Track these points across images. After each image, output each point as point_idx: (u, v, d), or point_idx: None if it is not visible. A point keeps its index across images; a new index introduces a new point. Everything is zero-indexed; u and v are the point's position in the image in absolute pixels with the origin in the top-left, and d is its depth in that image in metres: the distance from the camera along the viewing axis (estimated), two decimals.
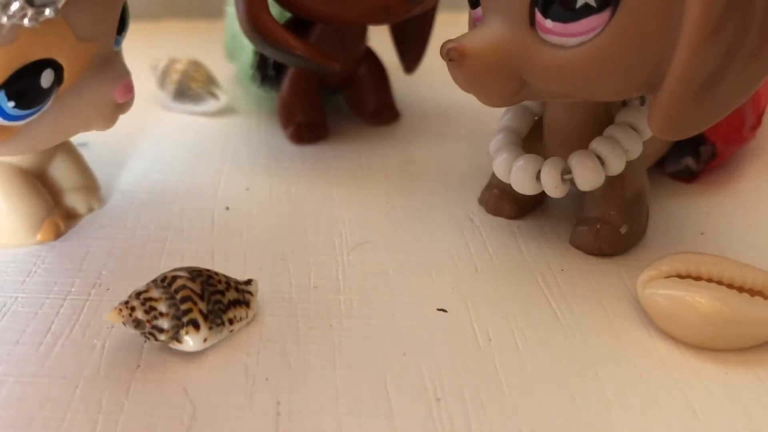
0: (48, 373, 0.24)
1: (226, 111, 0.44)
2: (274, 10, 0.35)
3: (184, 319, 0.23)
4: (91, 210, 0.33)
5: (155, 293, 0.24)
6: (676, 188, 0.35)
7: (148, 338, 0.24)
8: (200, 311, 0.24)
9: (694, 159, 0.35)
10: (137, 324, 0.23)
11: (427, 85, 0.44)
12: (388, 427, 0.22)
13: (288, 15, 0.38)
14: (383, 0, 0.33)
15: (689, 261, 0.25)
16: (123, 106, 0.28)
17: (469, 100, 0.28)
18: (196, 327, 0.24)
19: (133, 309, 0.23)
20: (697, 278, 0.25)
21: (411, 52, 0.42)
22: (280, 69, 0.41)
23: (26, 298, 0.27)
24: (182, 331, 0.23)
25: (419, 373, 0.24)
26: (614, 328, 0.26)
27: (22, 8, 0.22)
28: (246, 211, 0.33)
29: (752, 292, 0.25)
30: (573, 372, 0.24)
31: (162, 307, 0.23)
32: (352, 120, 0.43)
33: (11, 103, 0.25)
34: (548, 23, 0.23)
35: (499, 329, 0.26)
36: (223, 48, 0.48)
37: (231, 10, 0.45)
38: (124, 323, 0.23)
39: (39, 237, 0.30)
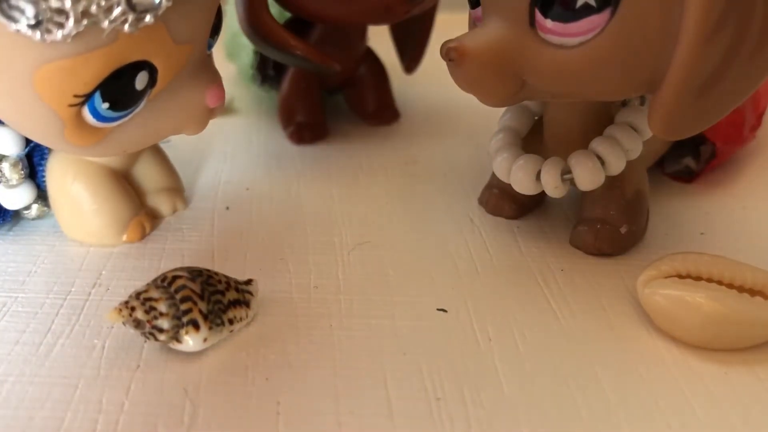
0: (48, 373, 0.24)
1: (226, 111, 0.44)
2: (274, 10, 0.35)
3: (184, 319, 0.23)
4: (175, 211, 0.33)
5: (155, 293, 0.24)
6: (676, 188, 0.35)
7: (148, 338, 0.24)
8: (200, 311, 0.24)
9: (694, 159, 0.35)
10: (137, 324, 0.23)
11: (427, 85, 0.44)
12: (388, 427, 0.22)
13: (288, 15, 0.38)
14: (383, 0, 0.33)
15: (689, 261, 0.25)
16: (214, 111, 0.28)
17: (469, 100, 0.28)
18: (196, 327, 0.24)
19: (133, 309, 0.23)
20: (697, 278, 0.25)
21: (411, 52, 0.42)
22: (280, 69, 0.41)
23: (26, 298, 0.27)
24: (182, 331, 0.23)
25: (419, 373, 0.24)
26: (614, 328, 0.26)
27: (123, 13, 0.22)
28: (246, 211, 0.33)
29: (752, 292, 0.25)
30: (573, 372, 0.24)
31: (162, 307, 0.23)
32: (352, 120, 0.43)
33: (105, 105, 0.25)
34: (548, 23, 0.23)
35: (499, 329, 0.26)
36: (223, 48, 0.48)
37: (231, 10, 0.45)
38: (124, 323, 0.23)
39: (125, 238, 0.30)
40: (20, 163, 0.29)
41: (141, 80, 0.25)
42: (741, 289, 0.25)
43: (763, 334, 0.24)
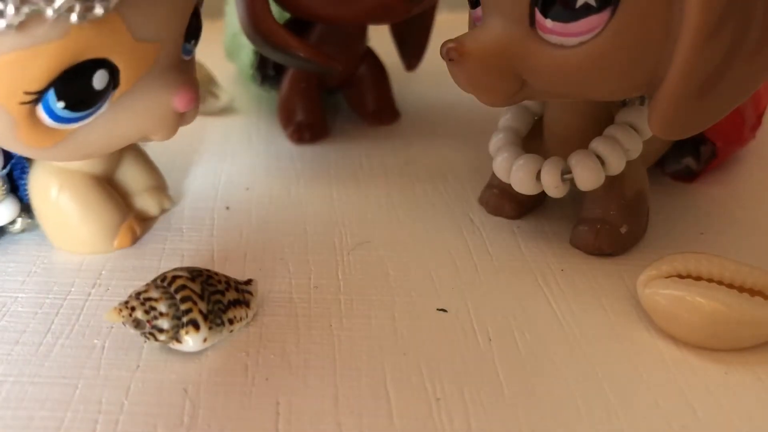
0: (48, 373, 0.24)
1: (226, 111, 0.44)
2: (274, 9, 0.35)
3: (184, 319, 0.23)
4: (163, 210, 0.32)
5: (155, 293, 0.24)
6: (676, 188, 0.35)
7: (148, 338, 0.24)
8: (200, 311, 0.24)
9: (694, 159, 0.35)
10: (137, 324, 0.23)
11: (427, 85, 0.44)
12: (388, 427, 0.22)
13: (288, 15, 0.38)
14: (384, 0, 0.33)
15: (689, 261, 0.25)
16: (185, 117, 0.27)
17: (469, 100, 0.28)
18: (196, 327, 0.24)
19: (132, 309, 0.23)
20: (697, 278, 0.25)
21: (412, 51, 0.42)
22: (280, 69, 0.41)
23: (26, 298, 0.27)
24: (182, 331, 0.23)
25: (419, 373, 0.24)
26: (614, 328, 0.26)
27: (68, 1, 0.21)
28: (246, 211, 0.33)
29: (752, 292, 0.25)
30: (573, 372, 0.24)
31: (162, 307, 0.23)
32: (352, 120, 0.43)
33: (61, 104, 0.23)
34: (548, 23, 0.23)
35: (499, 329, 0.26)
36: (223, 48, 0.48)
37: (231, 10, 0.45)
38: (124, 323, 0.23)
39: (115, 244, 0.30)
40: (0, 180, 0.28)
41: (100, 79, 0.24)
42: (741, 289, 0.25)
43: (763, 334, 0.24)
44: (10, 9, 0.21)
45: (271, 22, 0.34)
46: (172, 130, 0.27)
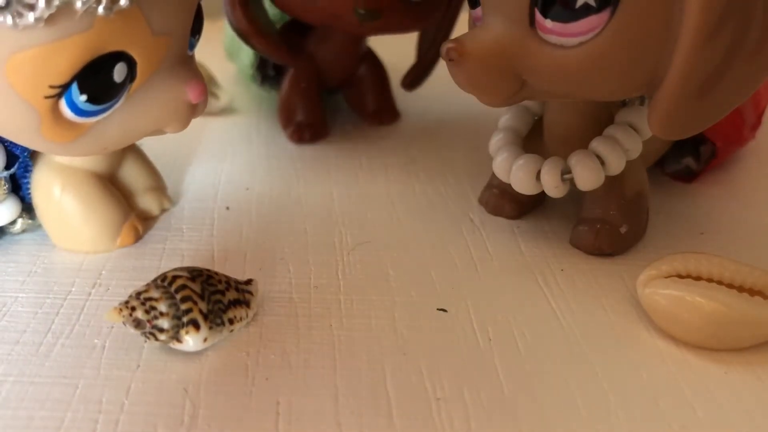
0: (48, 373, 0.24)
1: (226, 111, 0.44)
2: (275, 11, 0.35)
3: (184, 319, 0.23)
4: (163, 210, 0.33)
5: (155, 293, 0.24)
6: (676, 188, 0.35)
7: (148, 338, 0.24)
8: (200, 311, 0.24)
9: (694, 159, 0.35)
10: (137, 324, 0.23)
11: (428, 85, 0.44)
12: (388, 427, 0.22)
13: (287, 18, 0.38)
14: (332, 8, 0.33)
15: (689, 261, 0.25)
16: (196, 108, 0.27)
17: (469, 100, 0.28)
18: (196, 327, 0.24)
19: (133, 309, 0.23)
20: (697, 278, 0.25)
21: (418, 71, 0.41)
22: (280, 69, 0.41)
23: (26, 298, 0.27)
24: (182, 331, 0.23)
25: (419, 373, 0.24)
26: (614, 328, 0.26)
27: None
28: (246, 211, 0.33)
29: (752, 292, 0.25)
30: (573, 372, 0.24)
31: (162, 306, 0.23)
32: (352, 120, 0.43)
33: (83, 97, 0.24)
34: (548, 23, 0.23)
35: (499, 329, 0.26)
36: (223, 48, 0.48)
37: None
38: (124, 323, 0.23)
39: (118, 242, 0.30)
40: (2, 180, 0.28)
41: (119, 72, 0.24)
42: (741, 289, 0.25)
43: (763, 334, 0.24)
44: (41, 2, 0.21)
45: (238, 8, 0.35)
46: (186, 122, 0.27)
